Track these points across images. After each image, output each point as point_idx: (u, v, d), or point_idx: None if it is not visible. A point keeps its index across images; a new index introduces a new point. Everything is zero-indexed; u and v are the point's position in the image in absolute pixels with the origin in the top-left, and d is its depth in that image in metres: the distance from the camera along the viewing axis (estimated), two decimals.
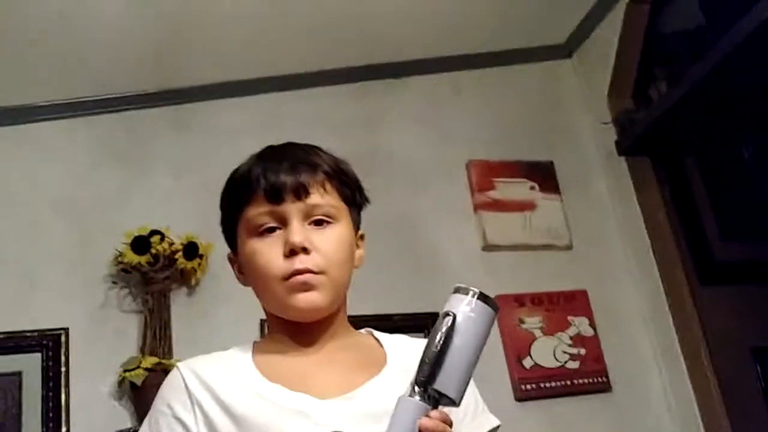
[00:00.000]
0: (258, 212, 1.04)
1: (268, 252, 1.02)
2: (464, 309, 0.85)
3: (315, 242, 1.02)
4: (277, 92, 2.41)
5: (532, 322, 2.30)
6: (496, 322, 2.36)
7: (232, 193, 1.09)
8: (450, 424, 0.85)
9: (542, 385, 2.23)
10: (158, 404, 1.03)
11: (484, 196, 2.44)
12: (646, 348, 2.37)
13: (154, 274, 1.98)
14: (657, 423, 2.28)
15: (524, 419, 2.18)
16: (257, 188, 1.04)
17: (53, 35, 2.01)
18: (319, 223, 1.04)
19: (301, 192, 1.03)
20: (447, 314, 0.84)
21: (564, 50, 2.74)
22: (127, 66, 2.20)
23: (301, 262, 1.00)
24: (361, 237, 1.13)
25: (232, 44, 2.25)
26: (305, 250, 1.01)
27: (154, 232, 2.00)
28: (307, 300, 1.01)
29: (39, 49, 2.04)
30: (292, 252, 1.01)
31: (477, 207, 2.42)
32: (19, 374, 1.91)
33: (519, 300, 2.31)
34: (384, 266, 2.23)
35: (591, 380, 2.27)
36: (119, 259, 2.00)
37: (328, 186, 1.06)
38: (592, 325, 2.34)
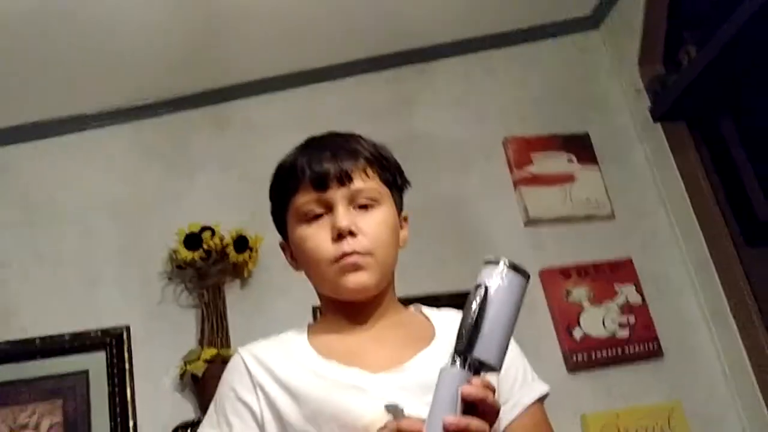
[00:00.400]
0: (305, 200, 1.09)
1: (317, 237, 1.08)
2: (495, 279, 0.88)
3: (360, 225, 1.07)
4: (311, 85, 2.45)
5: (579, 293, 2.31)
6: (542, 294, 2.37)
7: (280, 183, 1.14)
8: (493, 391, 0.88)
9: (593, 354, 2.24)
10: (222, 389, 1.09)
11: (523, 171, 2.45)
12: (696, 312, 2.37)
13: (208, 269, 2.05)
14: (712, 386, 2.28)
15: (577, 390, 2.21)
16: (303, 177, 1.09)
17: (96, 46, 2.08)
18: (363, 207, 1.09)
19: (344, 178, 1.08)
20: (479, 286, 0.88)
21: (591, 21, 2.73)
22: (166, 71, 2.26)
23: (348, 244, 1.06)
24: (405, 219, 1.18)
25: (264, 42, 2.30)
26: (351, 233, 1.06)
27: (204, 229, 2.06)
28: (356, 280, 1.07)
29: (83, 60, 2.11)
30: (339, 236, 1.06)
31: (517, 183, 2.44)
32: (86, 373, 2.00)
33: (564, 272, 2.33)
34: (428, 248, 2.27)
35: (642, 347, 2.28)
36: (173, 256, 2.07)
37: (369, 171, 1.11)
38: (640, 292, 2.35)
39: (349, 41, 2.41)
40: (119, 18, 2.03)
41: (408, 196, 1.21)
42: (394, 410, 0.90)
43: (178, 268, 2.09)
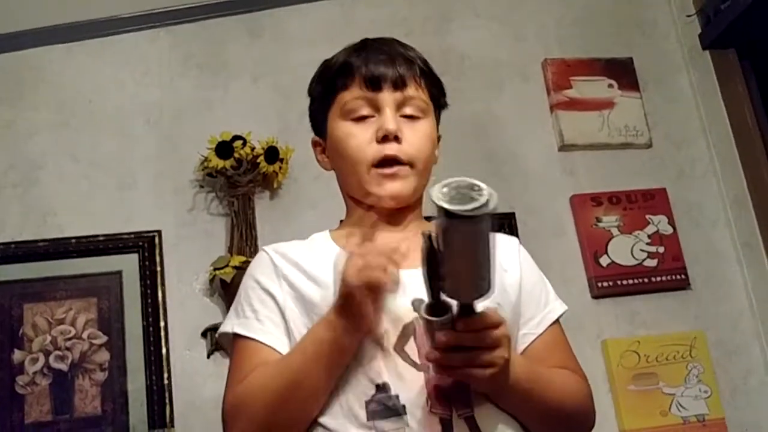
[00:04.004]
0: (354, 96, 1.08)
1: (361, 136, 1.07)
2: (436, 227, 0.82)
3: (406, 133, 1.07)
4: None
5: (609, 220, 2.29)
6: (571, 219, 2.33)
7: (328, 79, 1.13)
8: (490, 327, 0.88)
9: (619, 282, 2.24)
10: (247, 281, 1.10)
11: (561, 95, 2.40)
12: (728, 246, 2.35)
13: (238, 178, 2.06)
14: (737, 319, 2.28)
15: (601, 316, 2.22)
16: (356, 75, 1.08)
17: None
18: (409, 117, 1.09)
19: (398, 82, 1.08)
20: (424, 234, 0.84)
21: None
22: None
23: (392, 148, 1.06)
24: (439, 138, 1.17)
25: None
26: (397, 138, 1.06)
27: (236, 138, 2.06)
28: (392, 188, 1.07)
29: None
30: (384, 138, 1.06)
31: (553, 106, 2.39)
32: (119, 273, 2.06)
33: (596, 199, 2.31)
34: (460, 167, 2.24)
35: (669, 277, 2.27)
36: (205, 164, 2.08)
37: (421, 81, 1.10)
38: (672, 223, 2.32)
39: None
40: None
41: (442, 114, 1.20)
42: (419, 306, 0.91)
43: (209, 176, 2.11)
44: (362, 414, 0.94)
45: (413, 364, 0.95)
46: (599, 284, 2.23)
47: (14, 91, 2.18)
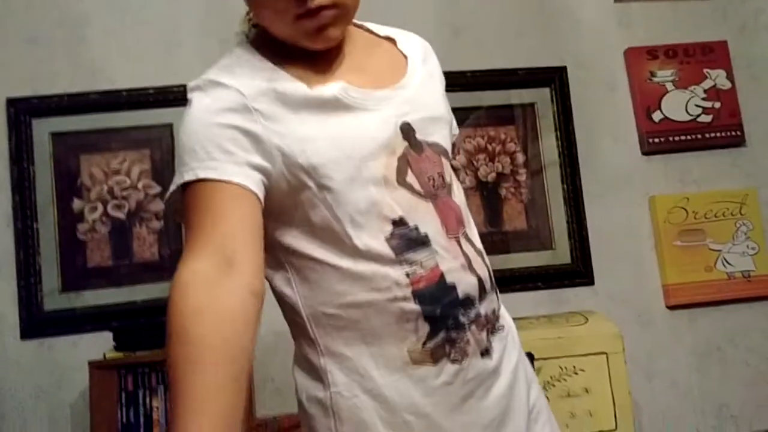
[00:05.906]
0: None
1: None
2: None
3: None
4: None
5: (665, 74, 2.22)
6: (624, 74, 2.26)
7: None
8: None
9: (671, 138, 2.20)
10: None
11: None
12: None
13: None
14: None
15: (651, 172, 2.20)
16: None
17: None
18: None
19: None
20: None
21: None
22: None
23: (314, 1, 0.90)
24: None
25: None
26: None
27: None
28: (323, 38, 0.95)
29: None
30: None
31: None
32: (170, 126, 2.08)
33: (651, 52, 2.22)
34: (507, 20, 2.19)
35: (724, 134, 2.22)
36: (248, 15, 2.05)
37: None
38: (730, 78, 2.23)
39: None
40: None
41: None
42: (408, 131, 0.94)
43: (255, 27, 2.08)
44: (387, 251, 0.90)
45: (419, 194, 0.94)
46: (651, 140, 2.19)
47: None
